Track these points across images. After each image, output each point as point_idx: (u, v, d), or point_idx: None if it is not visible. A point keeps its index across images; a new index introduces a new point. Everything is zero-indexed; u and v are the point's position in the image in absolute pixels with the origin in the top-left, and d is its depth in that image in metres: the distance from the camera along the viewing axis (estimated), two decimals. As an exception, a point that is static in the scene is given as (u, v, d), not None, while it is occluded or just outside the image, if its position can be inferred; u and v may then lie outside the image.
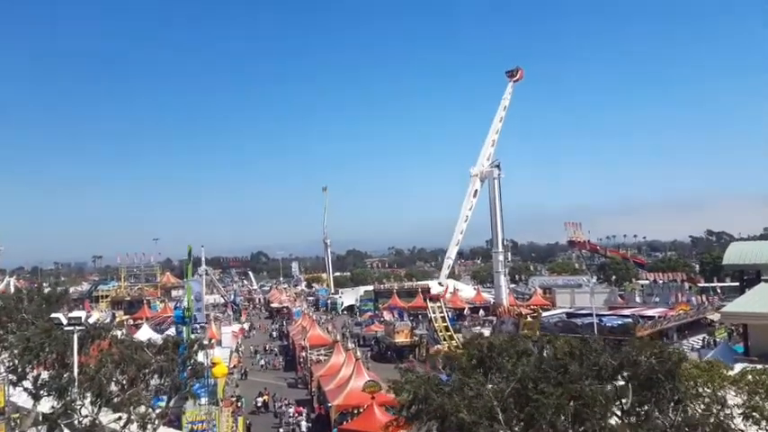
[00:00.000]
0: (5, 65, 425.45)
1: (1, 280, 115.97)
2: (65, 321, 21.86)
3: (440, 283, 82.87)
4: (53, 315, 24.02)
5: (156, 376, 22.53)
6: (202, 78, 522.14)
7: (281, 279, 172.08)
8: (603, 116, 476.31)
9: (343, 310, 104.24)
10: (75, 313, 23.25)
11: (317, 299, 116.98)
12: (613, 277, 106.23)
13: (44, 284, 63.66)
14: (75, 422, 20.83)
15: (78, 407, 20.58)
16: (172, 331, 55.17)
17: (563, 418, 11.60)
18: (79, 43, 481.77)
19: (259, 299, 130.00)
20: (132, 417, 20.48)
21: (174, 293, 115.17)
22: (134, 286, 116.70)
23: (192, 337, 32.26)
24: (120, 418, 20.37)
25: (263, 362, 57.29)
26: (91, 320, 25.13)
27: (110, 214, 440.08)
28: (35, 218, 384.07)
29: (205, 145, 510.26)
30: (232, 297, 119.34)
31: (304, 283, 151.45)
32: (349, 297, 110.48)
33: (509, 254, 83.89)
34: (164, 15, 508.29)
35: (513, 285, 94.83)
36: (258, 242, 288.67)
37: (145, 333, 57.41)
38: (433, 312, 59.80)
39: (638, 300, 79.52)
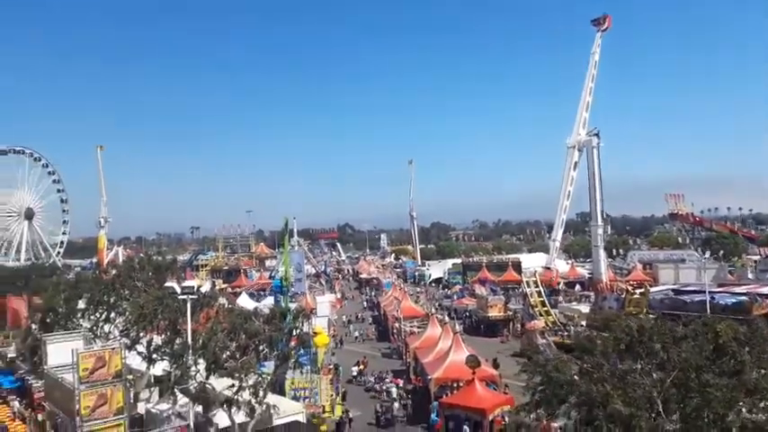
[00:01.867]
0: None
1: (110, 249, 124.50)
2: (178, 290, 22.50)
3: (548, 267, 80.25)
4: (167, 284, 24.83)
5: (264, 345, 22.91)
6: (292, 51, 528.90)
7: (368, 251, 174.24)
8: (694, 84, 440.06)
9: (430, 283, 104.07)
10: (188, 282, 23.89)
11: (404, 270, 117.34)
12: (721, 252, 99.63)
13: (150, 253, 67.51)
14: (191, 388, 21.53)
15: (194, 373, 21.23)
16: (269, 300, 56.78)
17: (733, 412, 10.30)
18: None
19: (347, 269, 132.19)
20: (244, 384, 20.91)
21: (267, 263, 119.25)
22: (231, 256, 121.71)
23: (292, 306, 32.71)
24: (232, 386, 20.84)
25: (357, 333, 57.85)
26: (203, 289, 25.82)
27: (205, 188, 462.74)
28: (137, 192, 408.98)
29: (288, 120, 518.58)
30: (323, 267, 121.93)
31: (392, 255, 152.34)
32: (436, 270, 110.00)
33: (608, 227, 79.78)
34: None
35: (609, 260, 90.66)
36: (344, 215, 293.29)
37: (244, 300, 59.48)
38: (528, 287, 58.15)
39: (750, 276, 74.18)
